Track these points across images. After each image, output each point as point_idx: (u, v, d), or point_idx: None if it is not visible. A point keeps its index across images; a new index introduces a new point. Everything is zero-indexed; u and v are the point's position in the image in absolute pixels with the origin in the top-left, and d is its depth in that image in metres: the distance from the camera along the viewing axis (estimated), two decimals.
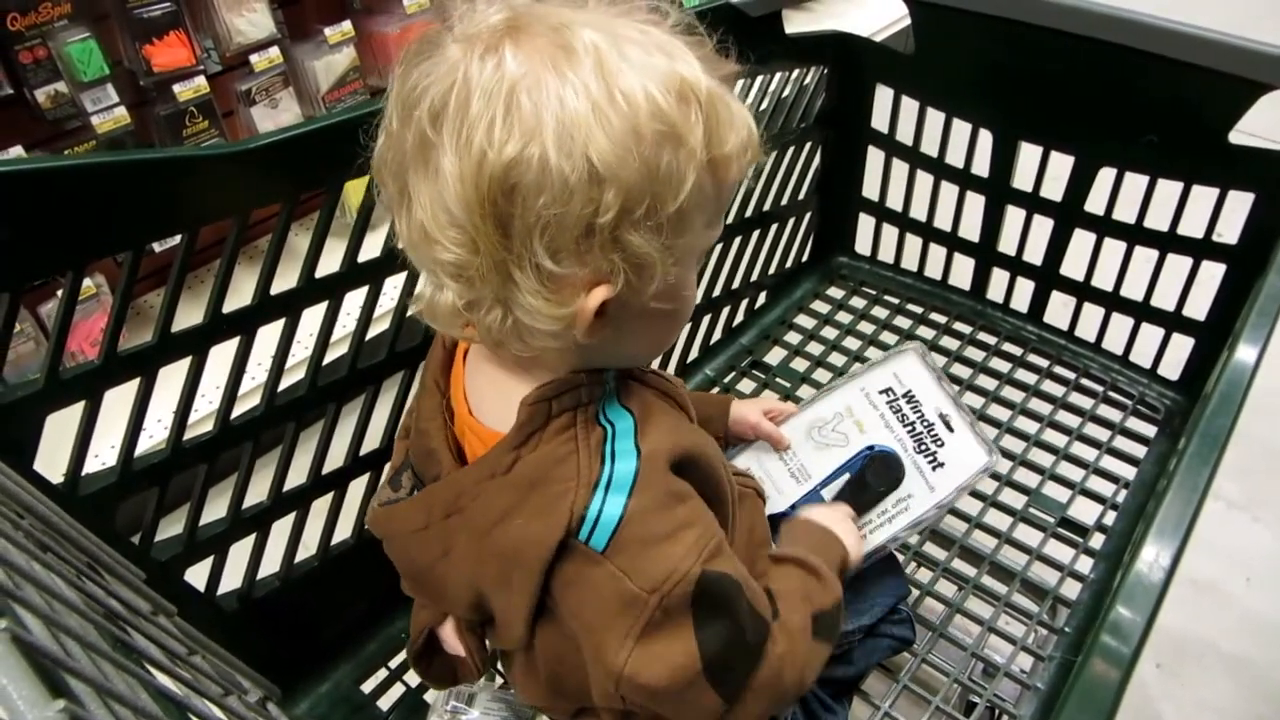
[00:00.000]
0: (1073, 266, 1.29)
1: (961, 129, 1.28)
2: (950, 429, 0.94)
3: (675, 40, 0.55)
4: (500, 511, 0.60)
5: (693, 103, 0.53)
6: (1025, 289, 1.35)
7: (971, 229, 1.36)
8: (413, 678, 0.97)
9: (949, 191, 1.33)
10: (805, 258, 1.47)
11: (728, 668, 0.60)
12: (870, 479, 0.92)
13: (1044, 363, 1.31)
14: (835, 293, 1.46)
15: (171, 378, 0.78)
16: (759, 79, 1.23)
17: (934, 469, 0.93)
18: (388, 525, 0.71)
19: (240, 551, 0.89)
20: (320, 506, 0.94)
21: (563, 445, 0.59)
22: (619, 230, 0.52)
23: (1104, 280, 1.28)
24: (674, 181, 0.53)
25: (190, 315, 0.77)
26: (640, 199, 0.52)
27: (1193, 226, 1.16)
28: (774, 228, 1.36)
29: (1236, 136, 1.08)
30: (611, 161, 0.50)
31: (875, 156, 1.39)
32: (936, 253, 1.41)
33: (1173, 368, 1.26)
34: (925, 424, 0.94)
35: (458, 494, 0.63)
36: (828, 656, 0.69)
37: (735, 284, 1.33)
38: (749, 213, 1.29)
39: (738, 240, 1.30)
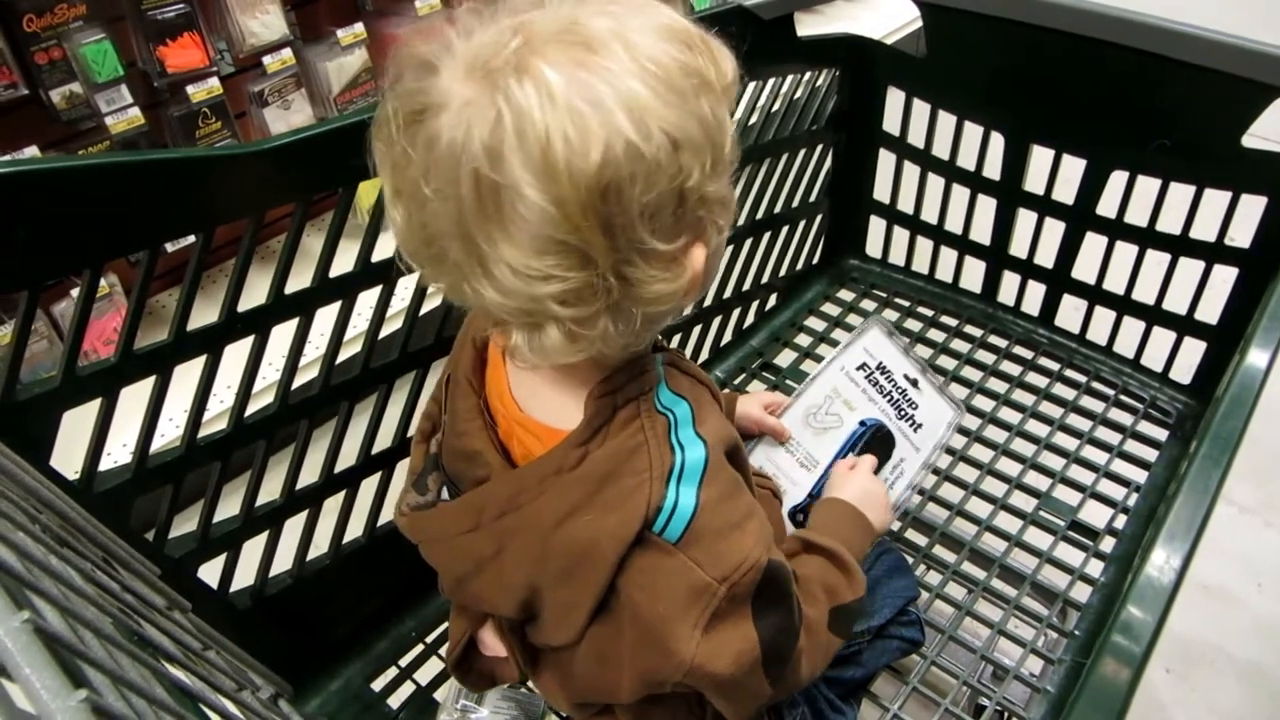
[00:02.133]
0: (1084, 270, 1.29)
1: (973, 132, 1.28)
2: (919, 389, 1.02)
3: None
4: (568, 507, 0.60)
5: (696, 47, 0.54)
6: (1037, 292, 1.35)
7: (983, 232, 1.36)
8: (422, 676, 0.97)
9: (960, 194, 1.33)
10: (816, 260, 1.47)
11: (779, 653, 0.63)
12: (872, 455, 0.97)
13: (1055, 366, 1.31)
14: (846, 295, 1.46)
15: (186, 376, 0.78)
16: (771, 81, 1.23)
17: (915, 430, 1.01)
18: (427, 529, 0.70)
19: (253, 549, 0.89)
20: (332, 505, 0.95)
21: (631, 437, 0.59)
22: (704, 187, 0.54)
23: (1116, 284, 1.27)
24: (720, 122, 0.55)
25: (205, 314, 0.77)
26: (707, 151, 0.53)
27: (1205, 230, 1.16)
28: (785, 230, 1.36)
29: (1250, 140, 1.07)
30: (681, 125, 0.51)
31: (887, 159, 1.39)
32: (948, 255, 1.41)
33: (1184, 371, 1.26)
34: (899, 390, 1.02)
35: (517, 491, 0.63)
36: (836, 649, 0.71)
37: (746, 286, 1.34)
38: (760, 215, 1.29)
39: (749, 242, 1.30)
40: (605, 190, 0.50)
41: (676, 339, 1.26)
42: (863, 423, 0.99)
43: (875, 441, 0.97)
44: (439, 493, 0.72)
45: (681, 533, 0.58)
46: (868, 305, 1.43)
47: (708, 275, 0.59)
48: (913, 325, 1.39)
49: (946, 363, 1.32)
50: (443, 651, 1.00)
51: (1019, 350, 1.34)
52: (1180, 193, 1.15)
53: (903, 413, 1.02)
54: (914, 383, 1.02)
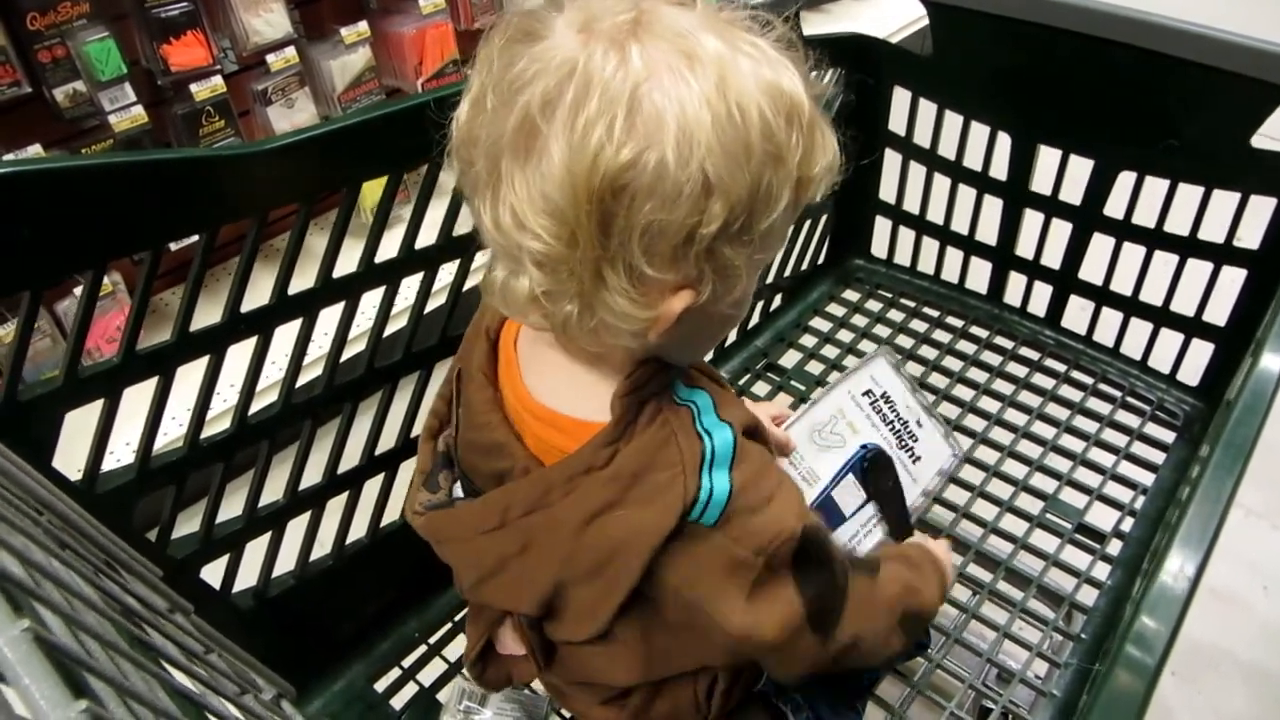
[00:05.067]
0: (1091, 271, 1.28)
1: (980, 131, 1.28)
2: (920, 425, 1.05)
3: (782, 56, 0.55)
4: (601, 504, 0.61)
5: (796, 124, 0.54)
6: (1043, 293, 1.35)
7: (989, 232, 1.35)
8: (426, 676, 0.97)
9: (966, 194, 1.33)
10: (821, 260, 1.47)
11: (825, 611, 0.64)
12: (874, 481, 0.98)
13: (1062, 367, 1.30)
14: (851, 295, 1.45)
15: (189, 376, 0.78)
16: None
17: (914, 462, 1.04)
18: (447, 529, 0.70)
19: (256, 550, 0.89)
20: (336, 505, 0.94)
21: (659, 431, 0.60)
22: (716, 241, 0.53)
23: (1123, 285, 1.27)
24: (771, 200, 0.54)
25: (208, 314, 0.77)
26: (740, 214, 0.53)
27: (1213, 231, 1.15)
28: (789, 230, 1.35)
29: (1259, 140, 1.07)
30: (725, 176, 0.51)
31: (892, 159, 1.39)
32: (953, 256, 1.40)
33: (1192, 373, 1.25)
34: (901, 422, 1.05)
35: (545, 490, 0.63)
36: (899, 649, 0.73)
37: None
38: None
39: None
40: (620, 190, 0.50)
41: None
42: (864, 446, 0.99)
43: (874, 466, 0.98)
44: (451, 490, 0.72)
45: (718, 517, 0.59)
46: (873, 305, 1.43)
47: (690, 334, 0.59)
48: (918, 326, 1.39)
49: (952, 364, 1.32)
50: (446, 652, 1.00)
51: (1025, 351, 1.34)
52: (1188, 193, 1.14)
53: (903, 443, 1.04)
54: (916, 419, 1.05)
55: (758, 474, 0.61)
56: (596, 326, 0.56)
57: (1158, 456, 1.18)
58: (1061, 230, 1.27)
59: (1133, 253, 1.22)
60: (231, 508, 0.86)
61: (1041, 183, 1.27)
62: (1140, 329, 1.27)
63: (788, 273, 1.40)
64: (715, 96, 0.51)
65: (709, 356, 1.31)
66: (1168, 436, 1.20)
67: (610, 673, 0.74)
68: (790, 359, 1.35)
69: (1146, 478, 1.15)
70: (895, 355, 1.07)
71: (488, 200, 0.56)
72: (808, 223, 1.39)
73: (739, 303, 0.61)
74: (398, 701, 0.96)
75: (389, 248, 0.86)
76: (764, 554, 0.60)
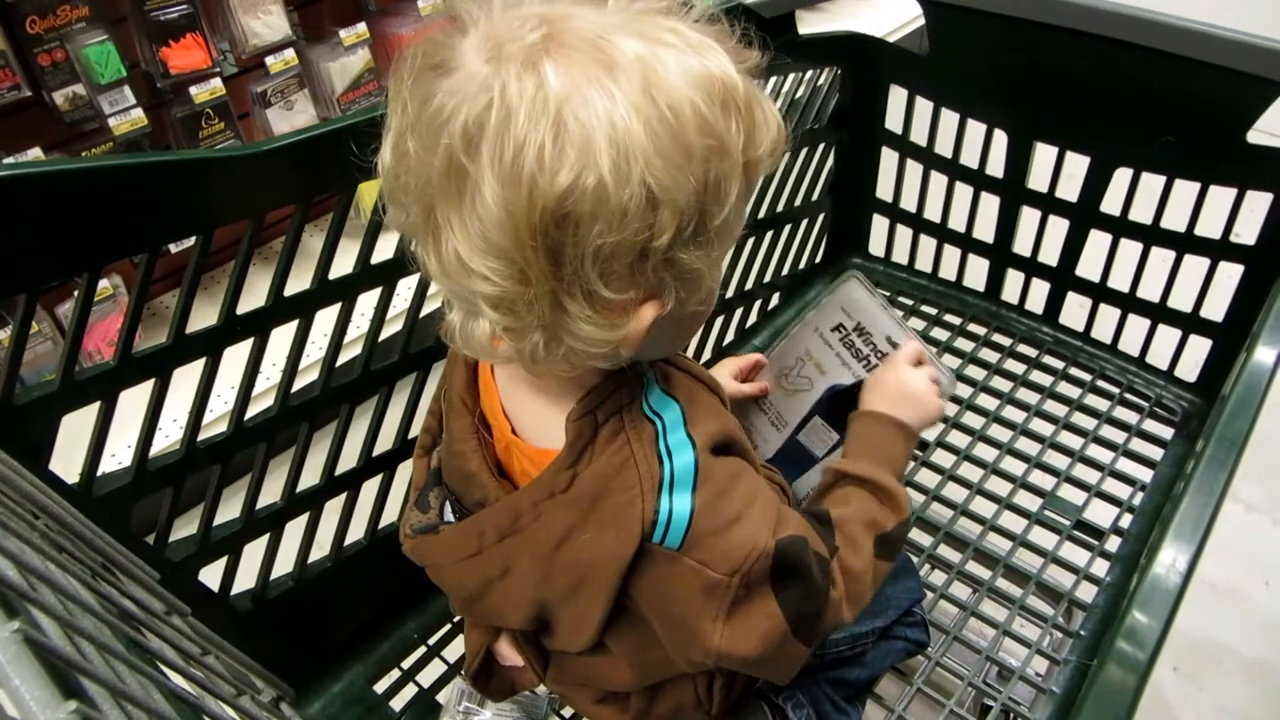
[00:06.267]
0: (1089, 267, 1.28)
1: (976, 129, 1.28)
2: (896, 347, 0.96)
3: (705, 37, 0.53)
4: (565, 529, 0.60)
5: (733, 109, 0.51)
6: (1041, 290, 1.35)
7: (986, 230, 1.35)
8: (425, 678, 0.97)
9: (964, 192, 1.33)
10: (819, 259, 1.47)
11: (808, 618, 0.63)
12: (843, 418, 0.92)
13: (1059, 364, 1.31)
14: None
15: (186, 378, 0.78)
16: (772, 80, 1.22)
17: None
18: (432, 554, 0.70)
19: (254, 552, 0.89)
20: (334, 507, 0.95)
21: (617, 453, 0.58)
22: (672, 250, 0.51)
23: (1120, 281, 1.27)
24: (721, 194, 0.52)
25: (205, 316, 0.77)
26: (692, 217, 0.51)
27: (1210, 227, 1.15)
28: (787, 229, 1.35)
29: (1255, 136, 1.07)
30: (668, 185, 0.48)
31: (889, 157, 1.39)
32: (951, 254, 1.40)
33: (1190, 369, 1.25)
34: (879, 355, 0.97)
35: (514, 517, 0.62)
36: (890, 571, 0.71)
37: (749, 285, 1.33)
38: (762, 214, 1.29)
39: (751, 242, 1.30)
40: (562, 219, 0.48)
41: None
42: (831, 388, 0.96)
43: (839, 405, 0.94)
44: (441, 510, 0.72)
45: (682, 539, 0.58)
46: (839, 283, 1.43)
47: (662, 337, 0.57)
48: (916, 324, 1.39)
49: (950, 361, 1.32)
50: (445, 653, 1.00)
51: (1023, 348, 1.34)
52: (1185, 189, 1.14)
53: None
54: (894, 345, 0.96)
55: (723, 492, 0.59)
56: (566, 354, 0.54)
57: (1156, 452, 1.18)
58: (1059, 227, 1.27)
59: (1130, 249, 1.22)
60: (229, 510, 0.86)
61: (1038, 180, 1.27)
62: (1138, 325, 1.27)
63: (786, 271, 1.40)
64: (643, 102, 0.48)
65: (706, 356, 1.32)
66: (1166, 432, 1.20)
67: (609, 679, 0.74)
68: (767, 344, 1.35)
69: (1145, 474, 1.15)
70: (866, 280, 0.99)
71: (430, 246, 0.53)
72: (806, 221, 1.39)
73: (708, 297, 0.58)
74: (397, 703, 0.96)
75: (385, 249, 0.86)
76: (738, 573, 0.58)
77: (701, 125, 0.49)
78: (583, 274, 0.50)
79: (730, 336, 1.35)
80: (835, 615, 0.66)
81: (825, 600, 0.65)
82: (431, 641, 1.00)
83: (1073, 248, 1.28)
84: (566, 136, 0.47)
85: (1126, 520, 1.09)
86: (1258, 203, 1.10)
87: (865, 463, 0.75)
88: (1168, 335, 1.25)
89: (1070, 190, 1.24)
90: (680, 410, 0.60)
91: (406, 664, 0.99)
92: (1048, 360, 1.32)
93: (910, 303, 1.42)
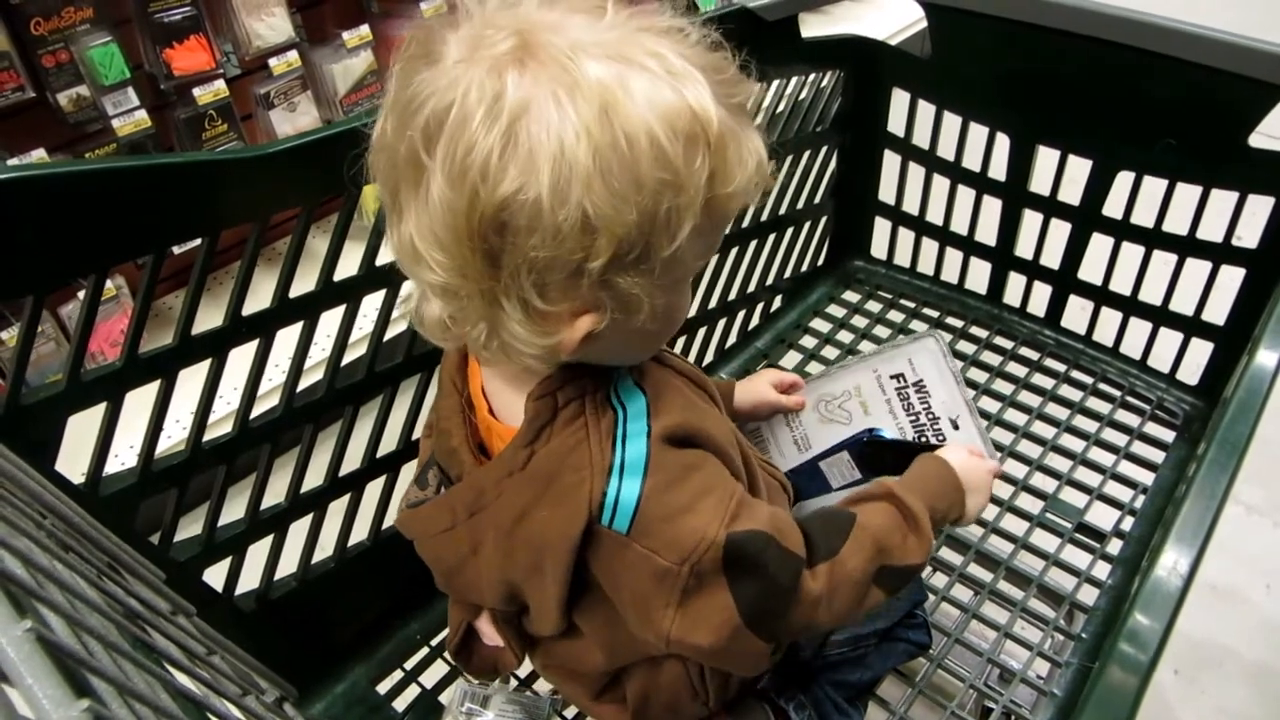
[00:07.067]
0: (1090, 270, 1.29)
1: (978, 132, 1.28)
2: (956, 428, 0.93)
3: (689, 65, 0.52)
4: (522, 506, 0.61)
5: (700, 144, 0.51)
6: (1043, 293, 1.35)
7: (988, 233, 1.35)
8: (428, 679, 0.97)
9: (966, 195, 1.33)
10: (821, 261, 1.47)
11: (767, 614, 0.63)
12: (873, 465, 0.92)
13: (1061, 367, 1.31)
14: (851, 297, 1.46)
15: (191, 379, 0.78)
16: (775, 83, 1.23)
17: None
18: (414, 527, 0.72)
19: (258, 552, 0.89)
20: (337, 508, 0.95)
21: (572, 435, 0.60)
22: (608, 274, 0.52)
23: (1122, 284, 1.27)
24: (670, 228, 0.51)
25: (210, 317, 0.77)
26: (634, 246, 0.51)
27: (1212, 230, 1.15)
28: (789, 231, 1.36)
29: (1257, 139, 1.07)
30: (607, 213, 0.49)
31: (891, 160, 1.39)
32: (953, 256, 1.41)
33: (1191, 372, 1.25)
34: (930, 417, 0.94)
35: (479, 493, 0.64)
36: (880, 602, 0.69)
37: (750, 288, 1.33)
38: (764, 217, 1.29)
39: (753, 244, 1.30)
40: (501, 226, 0.49)
41: (681, 341, 1.25)
42: (870, 430, 0.94)
43: (872, 453, 0.92)
44: (437, 487, 0.73)
45: (630, 523, 0.59)
46: (873, 307, 1.43)
47: (614, 347, 0.58)
48: (918, 327, 1.39)
49: (951, 354, 1.31)
50: (449, 654, 1.00)
51: (1025, 351, 1.34)
52: (1187, 193, 1.14)
53: (924, 438, 0.94)
54: (954, 421, 0.93)
55: (673, 482, 0.60)
56: (503, 347, 0.56)
57: (1157, 455, 1.18)
58: (1060, 230, 1.27)
59: (1132, 252, 1.22)
60: (233, 511, 0.86)
61: (1040, 183, 1.27)
62: (1140, 328, 1.27)
63: (788, 274, 1.40)
64: (597, 127, 0.48)
65: (709, 359, 1.32)
66: (1167, 435, 1.20)
67: (582, 661, 0.75)
68: (790, 360, 1.35)
69: (1146, 477, 1.15)
70: (945, 341, 0.96)
71: (394, 225, 0.55)
72: (808, 224, 1.39)
73: (663, 318, 0.58)
74: (400, 703, 0.96)
75: (389, 251, 0.87)
76: (688, 562, 0.59)
77: (658, 157, 0.49)
78: (519, 281, 0.51)
79: (732, 339, 1.36)
80: (807, 616, 0.65)
81: (791, 599, 0.64)
82: (434, 642, 1.01)
83: (1075, 251, 1.28)
84: (514, 149, 0.48)
85: (1128, 523, 1.09)
86: (1259, 206, 1.10)
87: (915, 496, 0.73)
88: (1169, 338, 1.25)
89: (1072, 193, 1.24)
90: (645, 401, 0.61)
91: (409, 664, 0.99)
92: (1049, 363, 1.32)
93: (912, 305, 1.42)
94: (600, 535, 0.60)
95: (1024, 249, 1.34)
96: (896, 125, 1.36)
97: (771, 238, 1.33)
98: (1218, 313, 1.20)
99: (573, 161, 0.48)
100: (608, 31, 0.52)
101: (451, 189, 0.49)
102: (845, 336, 1.38)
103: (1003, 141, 1.27)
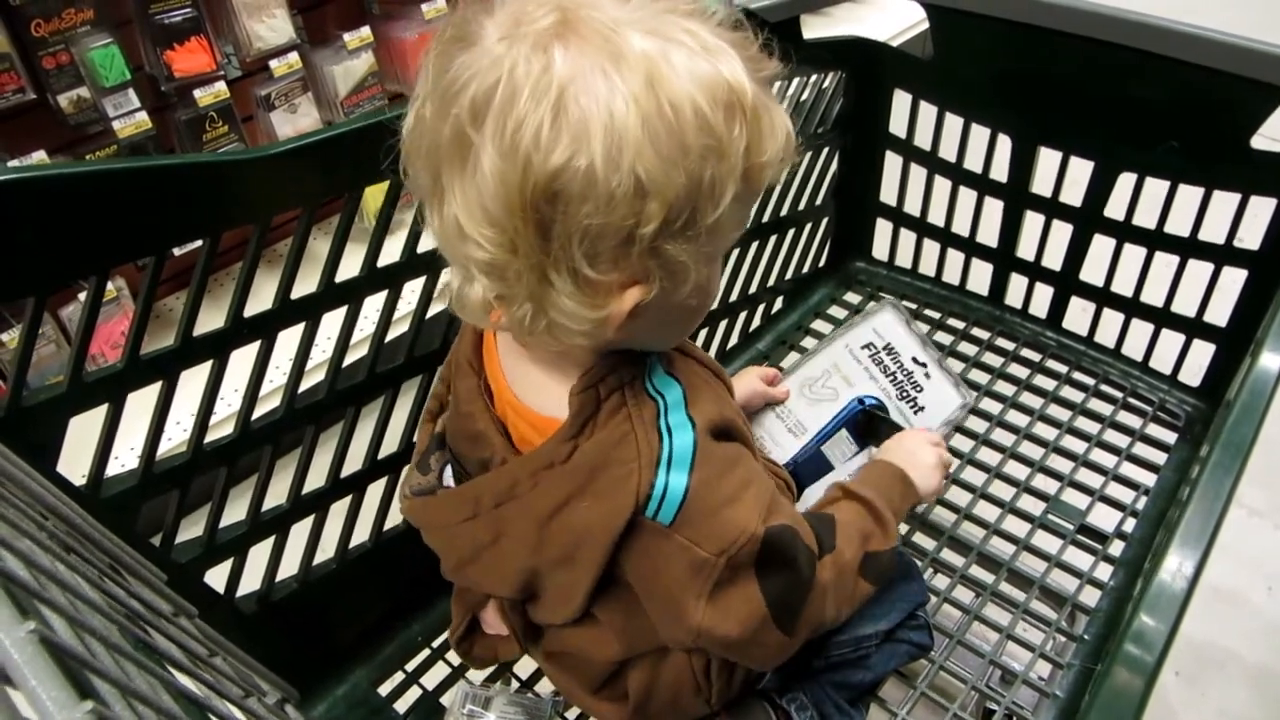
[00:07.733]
0: (1092, 272, 1.29)
1: (980, 134, 1.28)
2: (927, 375, 1.03)
3: (721, 41, 0.54)
4: (563, 497, 0.62)
5: (737, 113, 0.53)
6: (1044, 294, 1.35)
7: (990, 234, 1.35)
8: (430, 680, 0.97)
9: (967, 196, 1.33)
10: (822, 263, 1.47)
11: (789, 606, 0.65)
12: (871, 435, 0.98)
13: (1063, 368, 1.31)
14: (852, 298, 1.46)
15: (192, 381, 0.78)
16: (776, 84, 1.22)
17: (916, 413, 1.03)
18: (427, 516, 0.72)
19: (259, 554, 0.89)
20: (339, 509, 0.95)
21: (618, 427, 0.60)
22: (658, 241, 0.53)
23: (1124, 286, 1.27)
24: (715, 194, 0.53)
25: (211, 319, 0.77)
26: (681, 211, 0.52)
27: (1214, 232, 1.15)
28: (791, 233, 1.36)
29: (1259, 141, 1.07)
30: (658, 177, 0.50)
31: (893, 161, 1.39)
32: (954, 258, 1.40)
33: (1193, 374, 1.25)
34: (905, 373, 1.03)
35: (512, 484, 0.64)
36: (869, 596, 0.74)
37: (752, 289, 1.33)
38: (766, 218, 1.29)
39: (755, 245, 1.30)
40: (553, 196, 0.50)
41: None
42: (859, 399, 0.99)
43: (866, 420, 0.97)
44: (440, 473, 0.73)
45: (675, 515, 0.60)
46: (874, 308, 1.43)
47: (653, 326, 0.59)
48: (919, 328, 1.38)
49: (953, 366, 1.31)
50: (450, 656, 1.00)
51: (1026, 353, 1.34)
52: (1189, 194, 1.14)
53: (905, 394, 1.02)
54: (923, 366, 1.02)
55: (720, 474, 0.61)
56: (550, 327, 0.56)
57: (1159, 457, 1.18)
58: (1062, 232, 1.27)
59: (1133, 254, 1.22)
60: (235, 512, 0.86)
61: (1042, 184, 1.27)
62: (1141, 330, 1.27)
63: (789, 275, 1.40)
64: (644, 95, 0.50)
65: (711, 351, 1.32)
66: (1169, 437, 1.20)
67: (595, 651, 0.75)
68: (791, 361, 1.35)
69: (1148, 478, 1.15)
70: (903, 308, 1.04)
71: (435, 209, 0.56)
72: (809, 225, 1.39)
73: (702, 292, 0.60)
74: (401, 705, 0.96)
75: (391, 252, 0.87)
76: (725, 554, 0.60)
77: (701, 125, 0.51)
78: (570, 251, 0.52)
79: (734, 339, 1.36)
80: (818, 610, 0.68)
81: (809, 592, 0.66)
82: (436, 644, 1.00)
83: (1076, 252, 1.28)
84: (565, 119, 0.49)
85: (1130, 524, 1.09)
86: (1261, 208, 1.10)
87: (868, 489, 0.79)
88: (1171, 340, 1.25)
89: (1074, 195, 1.24)
90: (682, 391, 0.62)
91: (411, 666, 0.99)
92: (1051, 365, 1.31)
93: (914, 307, 1.42)
94: (642, 526, 0.60)
95: (1026, 250, 1.34)
96: (898, 126, 1.36)
97: (773, 239, 1.33)
98: (1220, 314, 1.20)
99: (623, 129, 0.49)
100: (640, 10, 0.53)
101: (504, 160, 0.50)
102: None
103: (1004, 143, 1.27)
